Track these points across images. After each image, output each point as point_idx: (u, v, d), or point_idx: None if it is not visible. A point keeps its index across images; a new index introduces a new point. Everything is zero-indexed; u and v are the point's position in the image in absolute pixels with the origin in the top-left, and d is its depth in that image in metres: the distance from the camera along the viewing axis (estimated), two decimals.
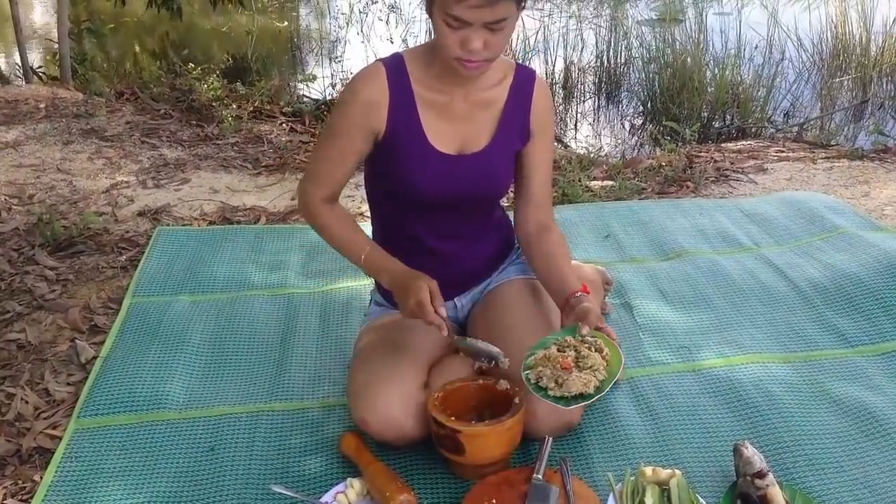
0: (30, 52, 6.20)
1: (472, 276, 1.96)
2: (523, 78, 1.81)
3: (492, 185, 1.82)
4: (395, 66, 1.72)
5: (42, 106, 4.44)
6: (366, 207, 3.10)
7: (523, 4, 1.58)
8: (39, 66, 6.03)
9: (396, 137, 1.72)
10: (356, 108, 1.70)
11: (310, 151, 3.88)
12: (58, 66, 5.48)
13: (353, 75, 1.77)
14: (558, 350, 1.61)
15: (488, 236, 1.93)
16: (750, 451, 1.60)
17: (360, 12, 9.01)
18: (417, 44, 7.65)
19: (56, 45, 5.56)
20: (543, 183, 1.89)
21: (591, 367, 1.57)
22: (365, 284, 2.45)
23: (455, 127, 1.75)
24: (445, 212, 1.81)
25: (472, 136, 1.77)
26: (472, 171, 1.76)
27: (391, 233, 1.88)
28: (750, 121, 5.05)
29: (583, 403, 1.55)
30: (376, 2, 9.58)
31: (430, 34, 7.42)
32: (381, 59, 1.74)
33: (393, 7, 9.16)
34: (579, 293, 1.74)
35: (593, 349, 1.61)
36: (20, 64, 5.50)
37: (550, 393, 1.56)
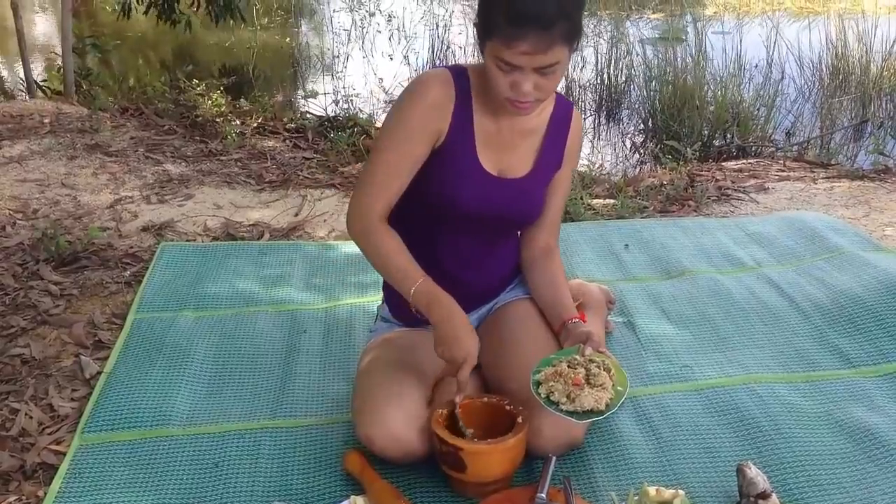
0: (34, 66, 6.22)
1: (485, 296, 1.97)
2: (562, 109, 1.84)
3: (528, 210, 1.85)
4: (460, 77, 1.72)
5: (46, 121, 4.45)
6: None
7: (576, 46, 1.58)
8: (44, 81, 6.05)
9: (450, 147, 1.72)
10: (425, 110, 1.67)
11: (312, 168, 3.90)
12: (62, 80, 5.50)
13: (416, 77, 1.74)
14: (569, 367, 1.64)
15: (506, 259, 1.95)
16: (753, 471, 1.61)
17: (359, 26, 9.06)
18: (419, 60, 7.73)
19: (60, 60, 5.58)
20: (559, 207, 1.94)
21: (601, 384, 1.62)
22: (368, 300, 2.46)
23: (500, 152, 1.77)
24: (473, 232, 1.82)
25: (514, 162, 1.79)
26: (512, 195, 1.78)
27: (411, 247, 1.88)
28: (751, 139, 5.08)
29: (594, 418, 1.59)
30: (374, 14, 9.64)
31: (431, 52, 7.45)
32: (446, 66, 1.74)
33: (390, 18, 9.22)
34: (576, 319, 1.80)
35: (601, 368, 1.65)
36: (24, 78, 5.52)
37: (563, 407, 1.59)
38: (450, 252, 1.84)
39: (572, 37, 1.55)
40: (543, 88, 1.58)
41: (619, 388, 1.65)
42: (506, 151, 1.78)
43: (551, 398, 1.62)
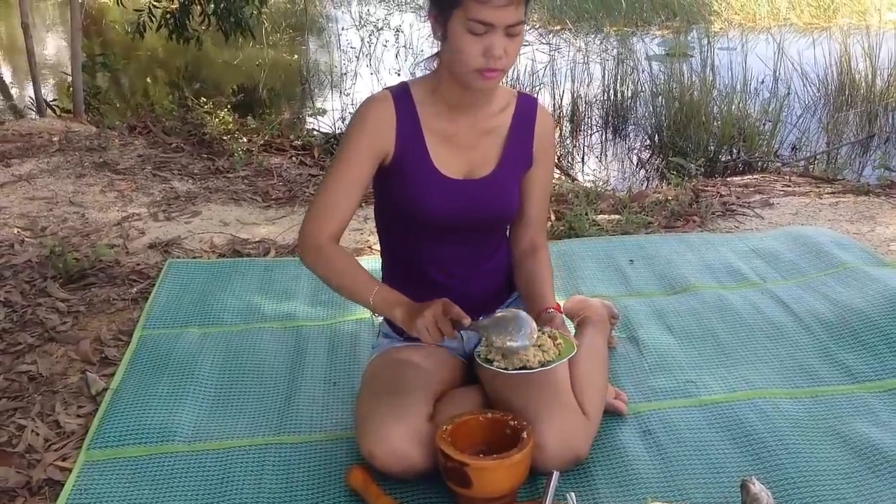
0: (44, 85, 6.28)
1: (480, 307, 1.97)
2: (526, 105, 1.87)
3: (498, 209, 1.86)
4: (401, 93, 1.78)
5: (55, 139, 4.49)
6: (374, 240, 3.12)
7: (526, 12, 1.66)
8: (54, 100, 6.10)
9: (403, 162, 1.77)
10: (365, 133, 1.75)
11: (319, 185, 3.92)
12: (71, 99, 5.55)
13: (360, 103, 1.81)
14: None
15: (497, 268, 1.96)
16: (757, 486, 1.60)
17: (366, 42, 9.11)
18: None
19: (70, 79, 5.63)
20: (540, 205, 1.96)
21: (540, 346, 1.66)
22: (373, 317, 2.47)
23: (461, 154, 1.80)
24: (453, 239, 1.84)
25: (478, 162, 1.82)
26: (479, 195, 1.81)
27: (400, 262, 1.92)
28: (756, 155, 5.08)
29: (523, 372, 1.64)
30: (381, 29, 9.70)
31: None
32: (387, 87, 1.81)
33: (397, 31, 9.28)
34: (551, 309, 1.81)
35: (546, 335, 1.69)
36: (34, 97, 5.57)
37: (495, 364, 1.65)
38: (435, 263, 1.87)
39: None
40: (509, 53, 1.63)
41: (562, 356, 1.67)
42: (469, 152, 1.81)
43: (488, 357, 1.68)
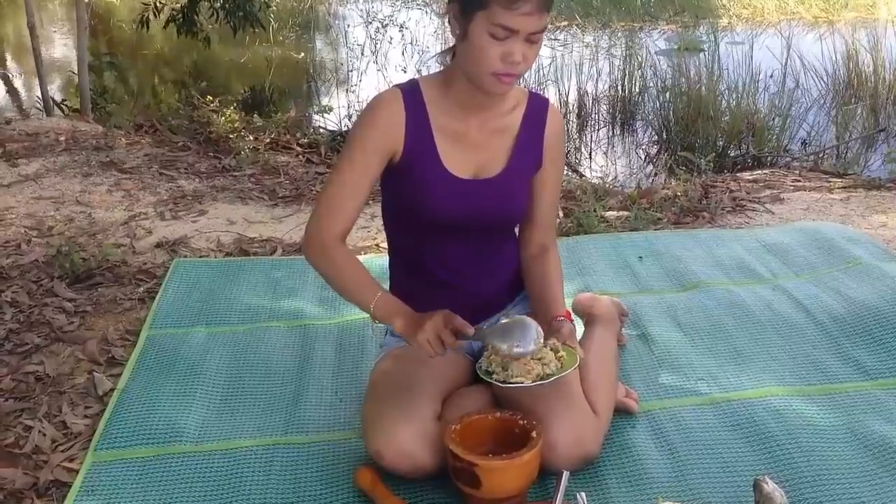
0: (50, 84, 6.28)
1: (487, 307, 1.96)
2: (537, 105, 1.84)
3: (506, 209, 1.84)
4: (411, 91, 1.76)
5: (62, 138, 4.49)
6: (381, 238, 3.11)
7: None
8: (64, 100, 6.10)
9: (412, 161, 1.75)
10: (374, 131, 1.73)
11: (325, 183, 3.91)
12: (78, 98, 5.56)
13: (369, 100, 1.79)
14: None
15: (503, 267, 1.94)
16: (770, 486, 1.58)
17: (372, 39, 9.10)
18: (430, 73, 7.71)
19: (76, 78, 5.64)
20: (550, 206, 1.94)
21: (540, 359, 1.65)
22: (373, 323, 2.45)
23: (470, 153, 1.78)
24: (460, 239, 1.83)
25: (487, 162, 1.80)
26: (487, 195, 1.79)
27: (407, 261, 1.90)
28: (765, 150, 5.05)
29: (519, 386, 1.63)
30: (387, 25, 9.69)
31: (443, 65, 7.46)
32: (397, 85, 1.79)
33: (402, 27, 9.27)
34: (562, 317, 1.80)
35: (549, 349, 1.68)
36: (41, 96, 5.58)
37: (494, 377, 1.65)
38: (442, 262, 1.85)
39: (552, 5, 1.63)
40: (528, 59, 1.62)
41: (563, 370, 1.66)
42: (478, 151, 1.79)
43: (488, 369, 1.68)
